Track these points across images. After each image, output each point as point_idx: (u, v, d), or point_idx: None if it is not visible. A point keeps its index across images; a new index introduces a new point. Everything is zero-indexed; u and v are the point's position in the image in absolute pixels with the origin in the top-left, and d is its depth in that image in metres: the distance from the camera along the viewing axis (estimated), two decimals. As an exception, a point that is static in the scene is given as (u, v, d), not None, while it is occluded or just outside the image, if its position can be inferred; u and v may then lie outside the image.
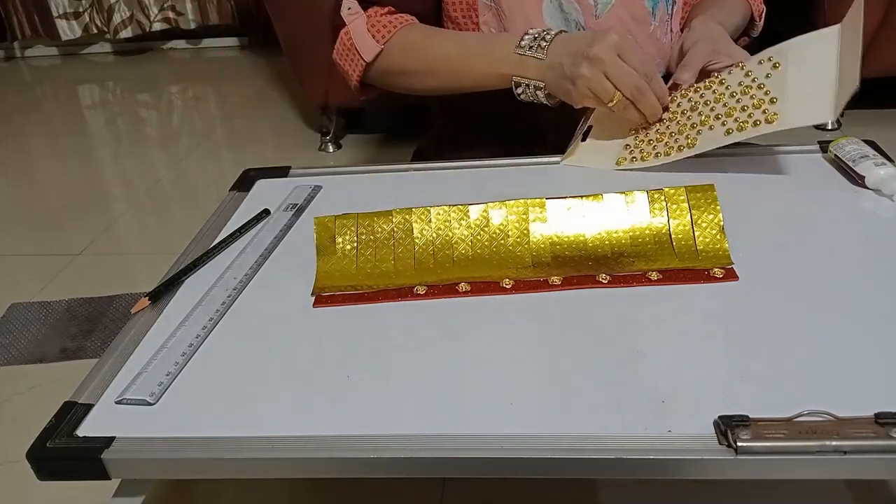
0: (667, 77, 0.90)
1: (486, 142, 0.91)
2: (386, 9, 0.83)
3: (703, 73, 0.77)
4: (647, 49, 0.85)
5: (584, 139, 0.79)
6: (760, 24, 0.94)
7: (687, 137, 0.72)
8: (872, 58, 1.75)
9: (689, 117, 0.74)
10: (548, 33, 0.74)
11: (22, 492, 0.96)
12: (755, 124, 0.68)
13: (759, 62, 0.73)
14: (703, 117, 0.72)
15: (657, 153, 0.73)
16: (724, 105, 0.72)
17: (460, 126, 0.94)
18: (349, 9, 0.83)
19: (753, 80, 0.71)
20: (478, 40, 0.81)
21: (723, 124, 0.70)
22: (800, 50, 0.72)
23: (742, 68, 0.73)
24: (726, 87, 0.73)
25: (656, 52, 0.87)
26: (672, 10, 0.86)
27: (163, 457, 0.45)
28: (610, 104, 0.71)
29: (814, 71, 0.69)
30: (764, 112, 0.68)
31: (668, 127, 0.75)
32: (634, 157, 0.75)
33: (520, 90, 0.76)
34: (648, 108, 0.72)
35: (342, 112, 2.05)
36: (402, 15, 0.82)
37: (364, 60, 0.82)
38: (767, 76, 0.71)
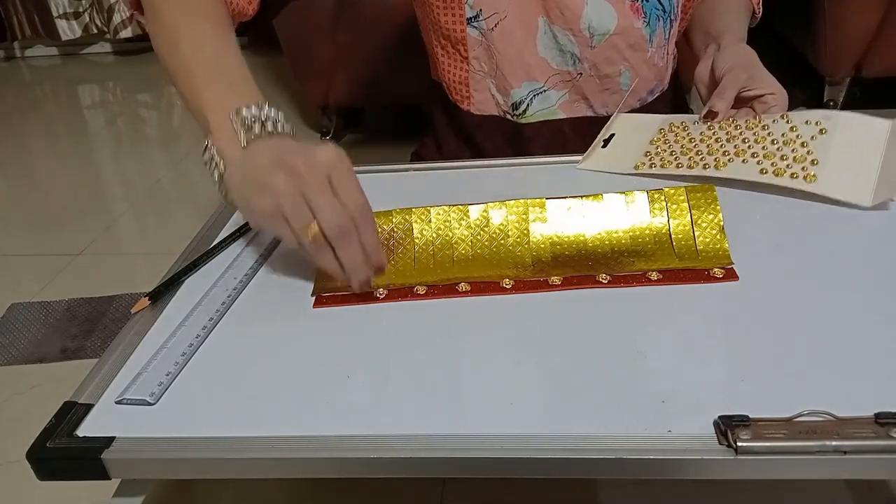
0: (663, 95, 0.90)
1: (486, 142, 0.91)
2: None
3: (738, 101, 0.75)
4: (643, 74, 0.84)
5: (604, 146, 0.78)
6: (759, 14, 0.93)
7: (716, 160, 0.70)
8: (872, 58, 1.75)
9: (722, 145, 0.71)
10: (266, 126, 0.58)
11: (22, 492, 0.96)
12: (793, 176, 0.66)
13: (806, 122, 0.70)
14: (737, 150, 0.70)
15: (679, 164, 0.71)
16: (764, 148, 0.69)
17: (459, 126, 0.94)
18: None
19: (798, 137, 0.69)
20: (221, 65, 0.67)
21: (758, 163, 0.68)
22: (849, 125, 0.69)
23: (787, 121, 0.71)
24: (768, 133, 0.70)
25: (653, 77, 0.86)
26: (669, 34, 0.85)
27: (163, 457, 0.45)
28: (301, 237, 0.54)
29: (860, 152, 0.67)
30: (804, 169, 0.66)
31: (696, 145, 0.73)
32: (654, 164, 0.73)
33: (205, 154, 0.63)
34: (350, 259, 0.54)
35: (342, 112, 2.05)
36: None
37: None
38: (813, 138, 0.68)
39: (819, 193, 0.65)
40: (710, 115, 0.75)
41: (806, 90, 1.91)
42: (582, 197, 0.62)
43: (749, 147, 0.70)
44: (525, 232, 0.61)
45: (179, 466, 0.46)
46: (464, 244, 0.61)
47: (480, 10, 0.80)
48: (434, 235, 0.62)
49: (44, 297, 1.42)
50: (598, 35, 0.80)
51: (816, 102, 1.86)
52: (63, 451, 0.46)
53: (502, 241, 0.61)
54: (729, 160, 0.70)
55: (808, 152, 0.68)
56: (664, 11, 0.82)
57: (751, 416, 0.42)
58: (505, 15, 0.80)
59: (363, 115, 2.23)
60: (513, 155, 0.86)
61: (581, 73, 0.83)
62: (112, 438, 0.46)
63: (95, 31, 3.06)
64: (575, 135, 0.86)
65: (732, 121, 0.74)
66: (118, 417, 0.48)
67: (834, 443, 0.40)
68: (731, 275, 0.56)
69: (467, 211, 0.62)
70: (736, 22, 0.86)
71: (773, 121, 0.72)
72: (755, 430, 0.41)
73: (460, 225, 0.62)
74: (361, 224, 0.54)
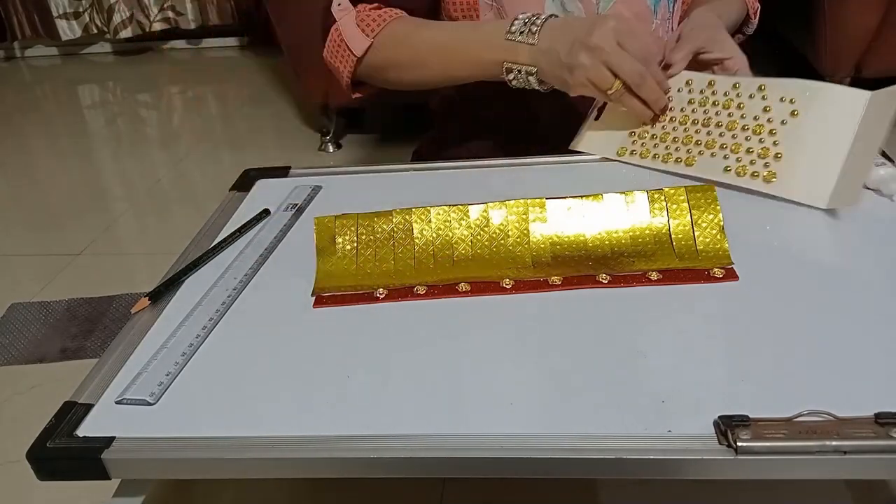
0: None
1: (486, 141, 0.91)
2: (375, 3, 0.82)
3: (695, 62, 0.77)
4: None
5: (597, 117, 0.79)
6: (755, 21, 0.94)
7: (688, 153, 0.72)
8: (872, 58, 1.75)
9: (697, 130, 0.73)
10: (538, 17, 0.73)
11: (22, 492, 0.96)
12: (753, 176, 0.67)
13: (781, 99, 0.69)
14: (709, 139, 0.71)
15: (655, 155, 0.73)
16: (734, 137, 0.70)
17: (459, 125, 0.94)
18: (339, 5, 0.82)
19: (769, 121, 0.69)
20: (467, 29, 0.80)
21: (724, 157, 0.69)
22: (824, 105, 0.68)
23: (764, 97, 0.71)
24: (742, 115, 0.71)
25: (656, 50, 0.87)
26: (673, 7, 0.86)
27: (163, 457, 0.45)
28: (609, 92, 0.69)
29: (827, 141, 0.66)
30: (766, 166, 0.67)
31: (674, 129, 0.74)
32: (634, 151, 0.75)
33: (511, 76, 0.75)
34: (649, 94, 0.70)
35: (342, 112, 2.05)
36: (391, 9, 0.82)
37: (354, 55, 0.81)
38: (783, 122, 0.68)
39: (776, 195, 0.65)
40: (665, 68, 0.77)
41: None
42: (582, 197, 0.62)
43: (721, 135, 0.71)
44: (525, 232, 0.61)
45: (179, 466, 0.46)
46: (464, 244, 0.61)
47: None
48: (434, 235, 0.62)
49: (44, 297, 1.42)
50: (603, 2, 0.81)
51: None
52: (63, 451, 0.46)
53: (502, 241, 0.61)
54: (699, 153, 0.71)
55: (774, 143, 0.68)
56: None
57: (751, 416, 0.42)
58: None
59: (363, 115, 2.23)
60: (516, 130, 0.87)
61: None
62: (112, 438, 0.46)
63: (95, 31, 3.05)
64: (580, 101, 0.87)
65: (711, 84, 0.74)
66: (118, 417, 0.48)
67: (834, 443, 0.40)
68: (731, 275, 0.56)
69: (467, 211, 0.62)
70: (719, 8, 0.86)
71: (750, 95, 0.72)
72: (755, 430, 0.41)
73: (460, 225, 0.62)
74: (651, 63, 0.70)
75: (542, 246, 0.60)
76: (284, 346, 0.53)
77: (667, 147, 0.73)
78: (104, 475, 0.46)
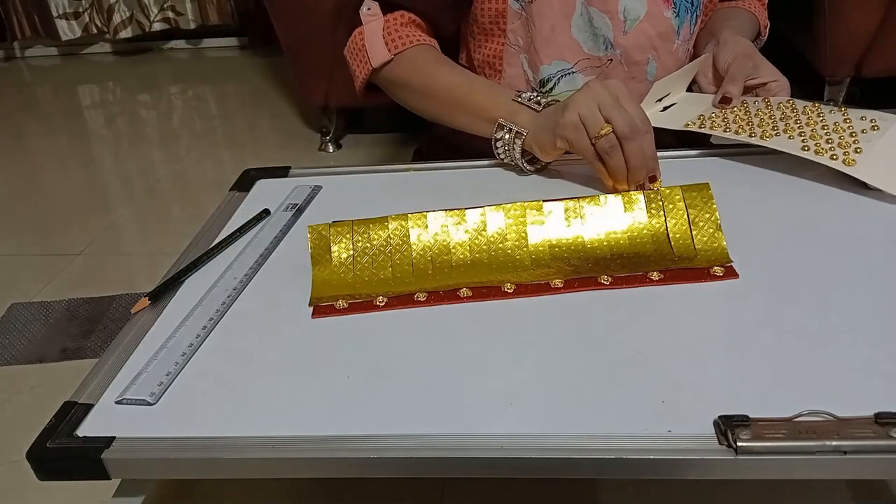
0: None
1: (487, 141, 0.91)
2: (406, 18, 0.83)
3: (746, 89, 0.79)
4: (668, 66, 0.86)
5: (664, 110, 0.81)
6: (765, 36, 0.95)
7: (764, 132, 0.72)
8: (872, 58, 1.75)
9: (775, 119, 0.74)
10: (547, 97, 0.76)
11: (22, 492, 0.96)
12: (832, 157, 0.68)
13: (862, 118, 0.72)
14: (787, 127, 0.73)
15: (727, 128, 0.74)
16: (812, 130, 0.72)
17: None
18: (368, 9, 0.84)
19: (849, 128, 0.71)
20: (482, 82, 0.82)
21: (803, 141, 0.70)
22: None
23: (843, 114, 0.73)
24: (821, 119, 0.73)
25: (675, 70, 0.87)
26: (694, 28, 0.87)
27: (163, 457, 0.45)
28: (595, 137, 0.65)
29: None
30: (846, 153, 0.68)
31: (749, 118, 0.75)
32: (703, 125, 0.76)
33: (500, 134, 0.75)
34: (634, 156, 0.65)
35: (342, 112, 2.05)
36: (421, 34, 0.83)
37: (371, 65, 0.83)
38: (863, 131, 0.71)
39: (856, 176, 0.66)
40: (725, 101, 0.78)
41: (806, 90, 1.91)
42: (578, 199, 0.62)
43: (799, 127, 0.72)
44: (523, 235, 0.61)
45: (179, 466, 0.46)
46: (462, 249, 0.61)
47: None
48: (431, 241, 0.61)
49: (44, 297, 1.42)
50: (630, 20, 0.82)
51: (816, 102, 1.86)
52: (63, 451, 0.46)
53: (500, 245, 0.61)
54: (776, 134, 0.72)
55: (854, 141, 0.69)
56: (692, 5, 0.85)
57: (751, 416, 0.42)
58: None
59: (363, 115, 2.23)
60: None
61: (611, 60, 0.84)
62: (112, 438, 0.46)
63: (95, 31, 3.05)
64: None
65: (791, 104, 0.76)
66: (118, 417, 0.48)
67: (834, 443, 0.40)
68: (730, 273, 0.57)
69: (464, 216, 0.61)
70: (738, 23, 0.89)
71: (830, 111, 0.74)
72: (755, 430, 0.41)
73: (458, 230, 0.61)
74: (644, 131, 0.65)
75: (541, 249, 0.60)
76: (284, 347, 0.53)
77: (739, 125, 0.74)
78: (104, 475, 0.46)
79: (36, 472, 0.47)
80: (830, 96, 1.85)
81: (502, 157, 0.76)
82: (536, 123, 0.72)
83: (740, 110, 0.77)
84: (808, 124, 0.73)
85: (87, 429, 0.47)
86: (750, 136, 0.72)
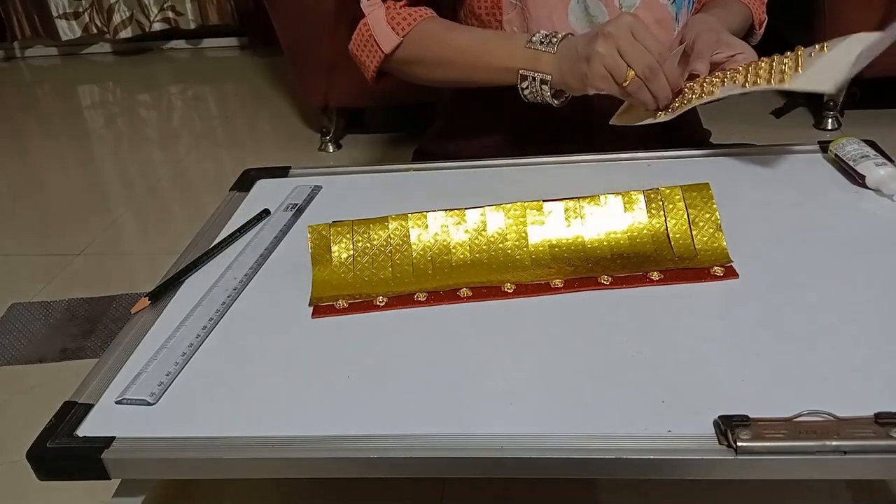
0: None
1: (497, 135, 0.91)
2: (404, 0, 0.84)
3: (712, 65, 0.77)
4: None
5: None
6: (760, 32, 0.94)
7: (708, 89, 0.73)
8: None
9: (716, 76, 0.75)
10: (556, 35, 0.76)
11: (22, 492, 0.96)
12: (767, 82, 0.69)
13: (815, 45, 0.72)
14: (748, 73, 0.73)
15: (701, 94, 0.74)
16: (758, 68, 0.72)
17: (471, 119, 0.94)
18: (368, 0, 0.84)
19: (798, 54, 0.71)
20: (494, 35, 0.83)
21: (745, 77, 0.71)
22: (849, 44, 0.72)
23: (796, 51, 0.73)
24: (771, 58, 0.73)
25: (670, 50, 0.87)
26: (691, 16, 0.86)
27: (163, 457, 0.45)
28: (624, 83, 0.71)
29: (841, 55, 0.70)
30: (784, 73, 0.69)
31: (725, 74, 0.75)
32: (683, 104, 0.75)
33: (525, 84, 0.77)
34: (660, 90, 0.72)
35: (342, 112, 2.05)
36: (421, 8, 0.84)
37: (383, 52, 0.83)
38: (811, 54, 0.71)
39: (786, 87, 0.68)
40: (692, 78, 0.78)
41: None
42: (578, 198, 0.62)
43: (746, 70, 0.73)
44: (523, 235, 0.61)
45: (179, 466, 0.46)
46: (462, 249, 0.61)
47: None
48: (431, 241, 0.61)
49: (44, 297, 1.42)
50: (626, 6, 0.82)
51: (816, 102, 1.86)
52: (63, 451, 0.46)
53: (500, 245, 0.61)
54: (722, 83, 0.73)
55: (797, 64, 0.70)
56: None
57: (751, 416, 0.42)
58: None
59: (363, 115, 2.23)
60: (528, 123, 0.88)
61: None
62: (112, 438, 0.46)
63: (95, 31, 3.05)
64: (598, 100, 0.87)
65: (771, 58, 0.75)
66: (118, 417, 0.48)
67: (834, 443, 0.40)
68: (731, 273, 0.57)
69: (464, 216, 0.61)
70: (723, 12, 0.87)
71: (810, 53, 0.73)
72: (755, 430, 0.41)
73: (457, 230, 0.61)
74: (665, 59, 0.71)
75: (541, 249, 0.60)
76: (284, 347, 0.53)
77: (686, 96, 0.75)
78: (104, 475, 0.46)
79: (36, 472, 0.47)
80: (830, 96, 1.85)
81: (529, 99, 0.78)
82: (561, 69, 0.75)
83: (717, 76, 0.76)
84: (756, 67, 0.73)
85: (87, 429, 0.47)
86: (699, 97, 0.73)
